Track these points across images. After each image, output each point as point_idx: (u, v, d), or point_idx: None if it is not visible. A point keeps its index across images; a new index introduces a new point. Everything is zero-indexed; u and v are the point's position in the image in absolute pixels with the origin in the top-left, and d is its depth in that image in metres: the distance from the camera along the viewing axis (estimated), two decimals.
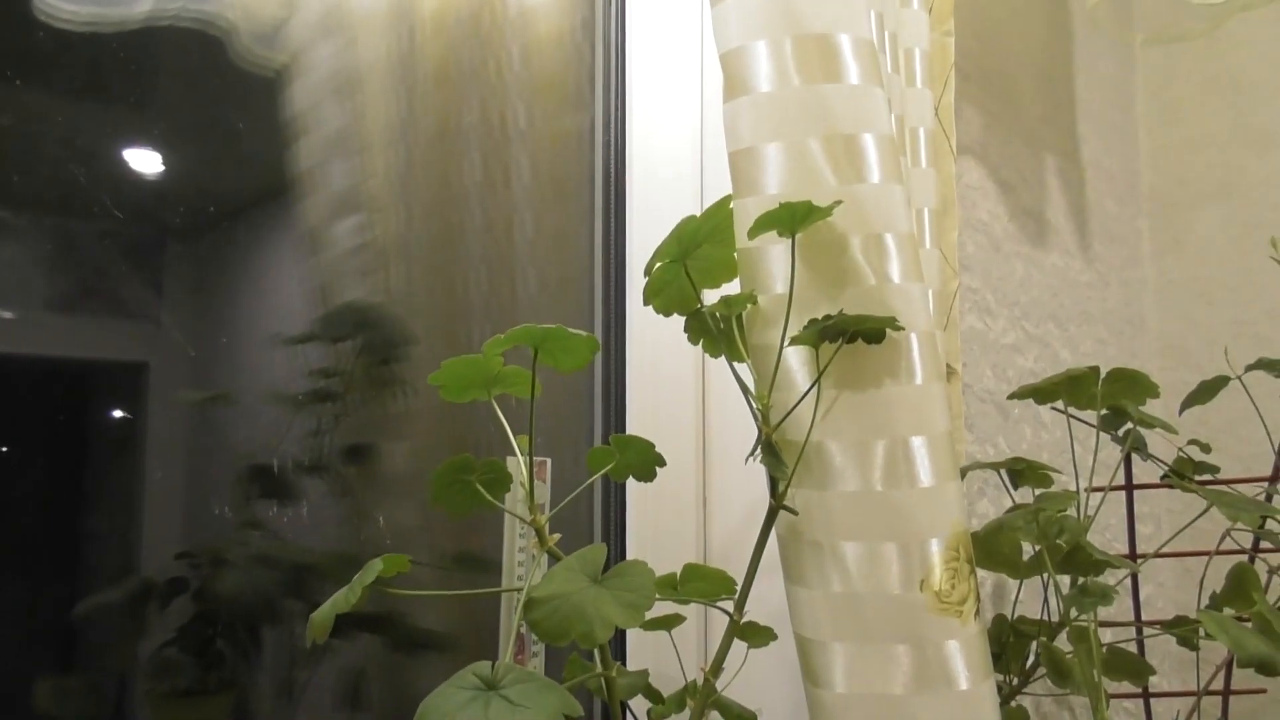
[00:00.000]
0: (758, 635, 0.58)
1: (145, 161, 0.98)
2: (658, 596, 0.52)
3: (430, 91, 1.07)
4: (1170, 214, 1.31)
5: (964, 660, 0.52)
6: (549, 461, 0.73)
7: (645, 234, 0.89)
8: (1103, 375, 0.66)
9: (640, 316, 0.86)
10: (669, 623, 0.61)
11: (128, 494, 0.98)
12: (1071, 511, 0.62)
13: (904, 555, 0.52)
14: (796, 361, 0.55)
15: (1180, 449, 0.74)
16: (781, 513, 0.55)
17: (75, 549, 0.96)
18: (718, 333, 0.60)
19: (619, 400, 0.86)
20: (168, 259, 1.04)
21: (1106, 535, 1.02)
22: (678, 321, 0.63)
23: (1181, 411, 0.76)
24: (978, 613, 0.54)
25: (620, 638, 0.81)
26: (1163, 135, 1.34)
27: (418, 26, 1.06)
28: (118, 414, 1.01)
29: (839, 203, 0.52)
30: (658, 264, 0.59)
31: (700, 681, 0.58)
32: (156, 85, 1.02)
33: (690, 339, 0.62)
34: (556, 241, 1.01)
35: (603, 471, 0.57)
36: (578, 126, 1.02)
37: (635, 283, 0.88)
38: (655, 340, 0.84)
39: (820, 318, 0.53)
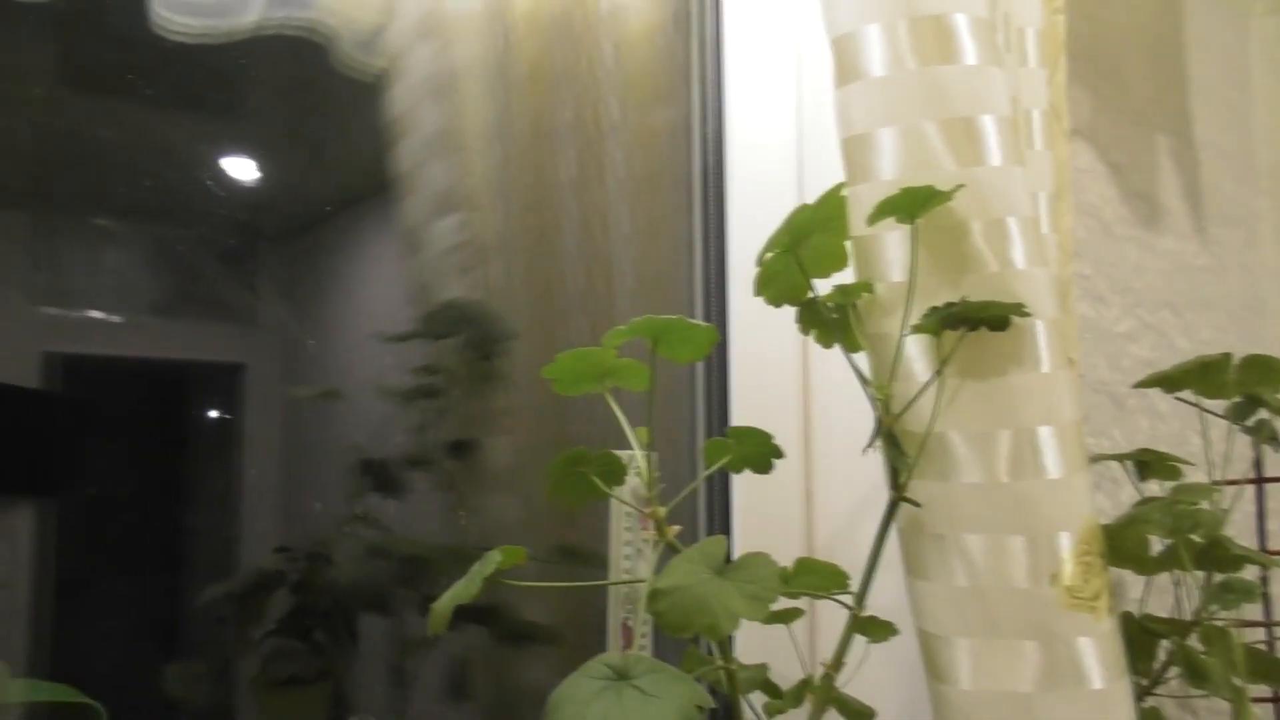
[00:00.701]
0: (878, 630, 0.57)
1: (244, 168, 1.02)
2: None
3: (525, 90, 1.08)
4: None
5: (1097, 658, 0.50)
6: (655, 456, 0.73)
7: (745, 226, 0.88)
8: (1235, 362, 0.63)
9: (741, 310, 0.86)
10: (788, 616, 0.61)
11: (229, 490, 1.01)
12: (1205, 505, 0.59)
13: (1032, 548, 0.51)
14: (916, 350, 0.54)
15: None
16: (902, 505, 0.54)
17: (184, 543, 1.00)
18: (831, 322, 0.59)
19: (722, 394, 0.85)
20: (272, 262, 1.07)
21: (1230, 531, 0.97)
22: (778, 315, 0.62)
23: None
24: (1112, 609, 0.52)
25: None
26: (1278, 111, 1.28)
27: (511, 27, 1.07)
28: (227, 413, 1.05)
29: (961, 186, 0.51)
30: (769, 254, 0.59)
31: (817, 677, 0.57)
32: (263, 92, 1.05)
33: (801, 329, 0.62)
34: (654, 236, 1.01)
35: (720, 464, 0.57)
36: (673, 120, 1.01)
37: (736, 275, 0.87)
38: (757, 333, 0.84)
39: (942, 305, 0.52)
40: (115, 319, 0.97)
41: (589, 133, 1.08)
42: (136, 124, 0.97)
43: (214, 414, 1.09)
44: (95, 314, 0.96)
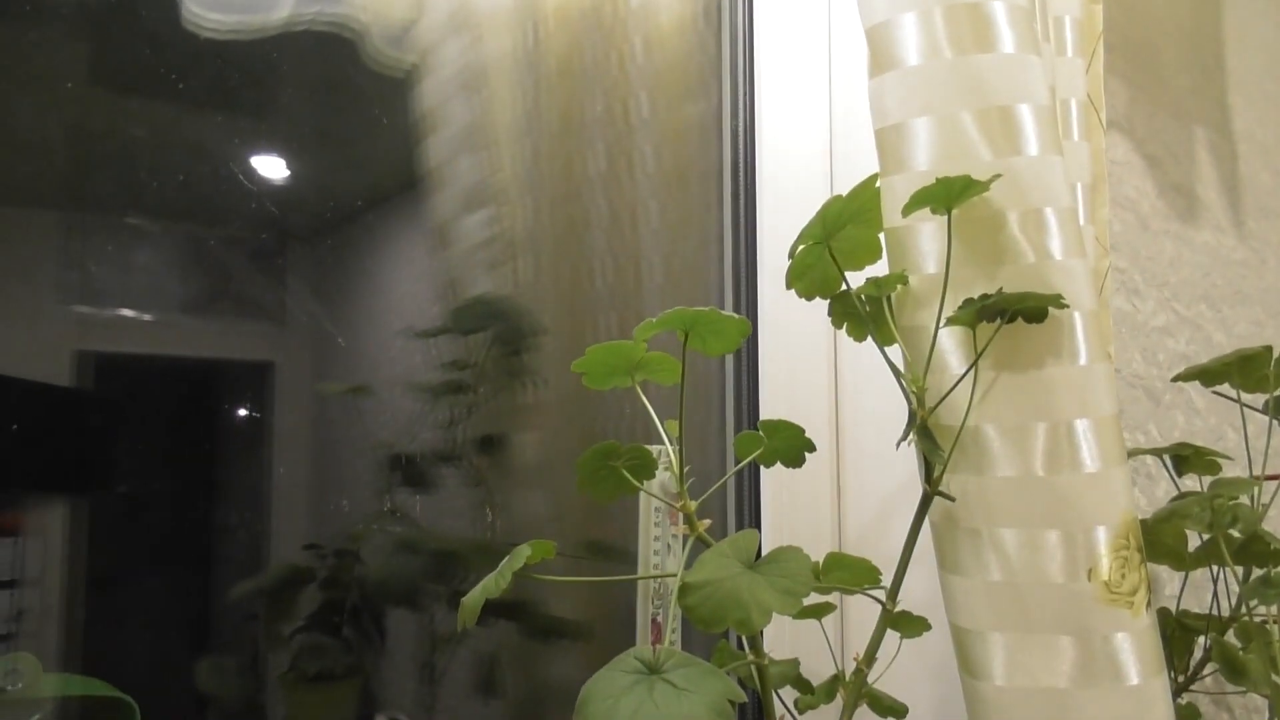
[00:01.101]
0: (911, 625, 0.56)
1: (274, 165, 1.02)
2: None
3: (555, 85, 1.08)
4: None
5: (1135, 654, 0.49)
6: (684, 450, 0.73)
7: (776, 220, 0.87)
8: (1275, 355, 0.62)
9: (772, 303, 0.85)
10: (820, 611, 0.60)
11: (259, 488, 1.02)
12: (1245, 500, 0.58)
13: (1068, 543, 0.50)
14: (951, 343, 0.54)
15: None
16: (936, 499, 0.53)
17: (214, 540, 1.01)
18: (864, 315, 0.58)
19: (752, 389, 0.85)
20: (302, 259, 1.08)
21: (1269, 527, 0.96)
22: (809, 308, 0.61)
23: None
24: (1149, 604, 0.51)
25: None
26: None
27: (541, 21, 1.07)
28: (257, 410, 1.06)
29: (998, 176, 0.50)
30: (801, 246, 0.58)
31: (848, 673, 0.57)
32: (294, 89, 1.06)
33: (834, 322, 0.61)
34: (684, 230, 1.01)
35: (752, 457, 0.56)
36: (703, 114, 1.01)
37: (766, 269, 0.87)
38: (787, 328, 0.83)
39: (978, 297, 0.51)
40: (146, 317, 0.98)
41: (619, 127, 1.08)
42: (167, 122, 0.98)
43: (243, 411, 1.10)
44: (126, 313, 0.97)
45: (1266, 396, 0.65)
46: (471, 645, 1.03)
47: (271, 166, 1.03)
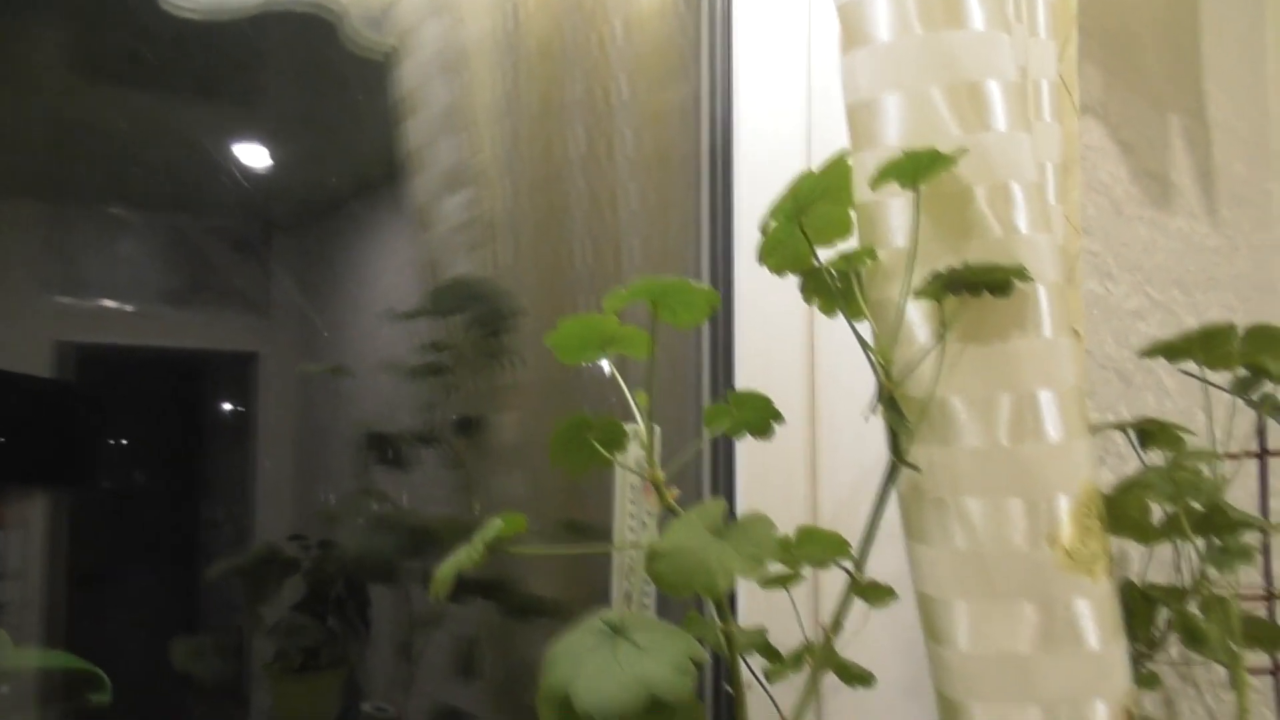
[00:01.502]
0: (878, 595, 0.57)
1: (253, 151, 1.02)
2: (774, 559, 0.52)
3: (534, 67, 1.08)
4: None
5: (1095, 619, 0.50)
6: (658, 429, 0.73)
7: (753, 199, 0.88)
8: (1240, 333, 0.63)
9: (747, 283, 0.86)
10: (787, 580, 0.61)
11: (243, 477, 1.02)
12: (1206, 471, 0.59)
13: (1031, 512, 0.51)
14: (918, 316, 0.54)
15: None
16: (903, 470, 0.54)
17: (197, 528, 1.01)
18: (835, 290, 0.59)
19: (727, 366, 0.86)
20: (283, 248, 1.08)
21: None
22: (784, 284, 0.62)
23: None
24: (1109, 572, 0.52)
25: (731, 598, 0.81)
26: None
27: (521, 3, 1.07)
28: (240, 399, 1.06)
29: (964, 150, 0.51)
30: (772, 222, 0.59)
31: (819, 642, 0.58)
32: (272, 72, 1.06)
33: (805, 298, 0.62)
34: (662, 211, 1.02)
35: (720, 429, 0.57)
36: (683, 95, 1.01)
37: (742, 246, 0.88)
38: (762, 305, 0.84)
39: (944, 270, 0.52)
40: (128, 308, 0.98)
41: (599, 110, 1.08)
42: (146, 109, 0.98)
43: (228, 402, 1.10)
44: (108, 303, 0.97)
45: (1231, 375, 0.66)
46: (452, 626, 1.03)
47: (251, 152, 1.03)
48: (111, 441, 0.97)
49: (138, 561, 1.01)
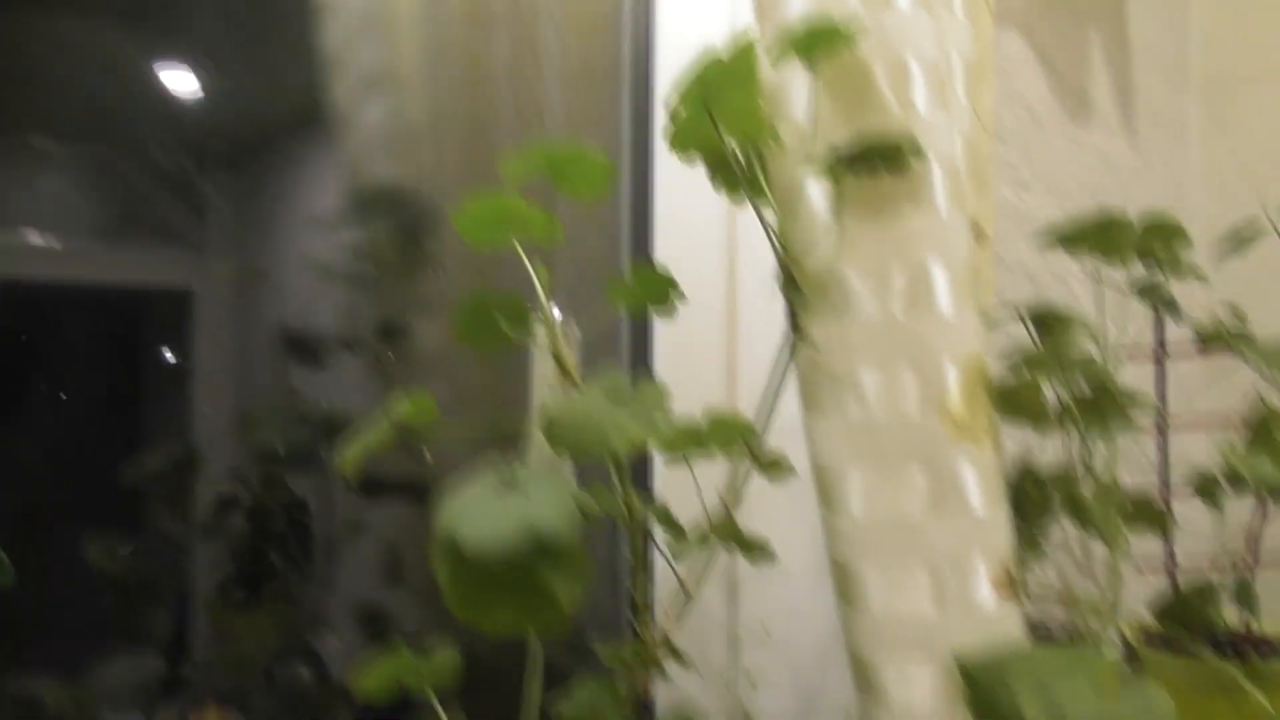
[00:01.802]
0: (776, 469, 0.59)
1: (183, 79, 0.99)
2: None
3: None
4: (1219, 97, 1.27)
5: (979, 484, 0.52)
6: (575, 321, 0.74)
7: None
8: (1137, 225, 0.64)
9: (666, 169, 0.86)
10: (694, 452, 0.62)
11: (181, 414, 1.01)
12: (1096, 356, 0.61)
13: (922, 382, 0.53)
14: (817, 193, 0.55)
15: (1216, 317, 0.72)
16: (801, 346, 0.55)
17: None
18: (741, 175, 0.59)
19: (648, 254, 0.86)
20: (214, 180, 1.06)
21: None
22: (703, 175, 0.62)
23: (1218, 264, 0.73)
24: (995, 442, 0.54)
25: (645, 477, 0.82)
26: (1216, 16, 1.29)
27: None
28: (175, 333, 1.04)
29: (862, 25, 0.52)
30: (682, 110, 0.58)
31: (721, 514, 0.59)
32: None
33: (714, 186, 0.62)
34: (585, 116, 1.01)
35: (620, 302, 0.57)
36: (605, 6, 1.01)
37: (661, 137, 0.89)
38: (682, 191, 0.84)
39: (839, 144, 0.52)
40: (55, 245, 0.96)
41: (524, 20, 1.07)
42: (72, 37, 0.94)
43: (163, 339, 1.09)
44: (33, 239, 0.94)
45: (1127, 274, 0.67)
46: (377, 532, 1.04)
47: (181, 81, 1.01)
48: (43, 382, 0.96)
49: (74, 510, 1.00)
